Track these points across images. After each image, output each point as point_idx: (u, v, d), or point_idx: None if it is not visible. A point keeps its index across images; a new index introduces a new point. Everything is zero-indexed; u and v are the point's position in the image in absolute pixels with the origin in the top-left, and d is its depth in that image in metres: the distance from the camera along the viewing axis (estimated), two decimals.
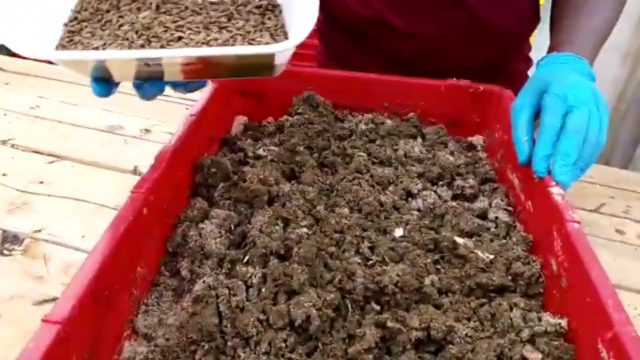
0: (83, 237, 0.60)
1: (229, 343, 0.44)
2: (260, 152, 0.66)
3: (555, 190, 0.53)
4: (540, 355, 0.42)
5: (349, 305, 0.47)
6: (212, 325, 0.44)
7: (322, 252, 0.51)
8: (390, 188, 0.63)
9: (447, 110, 0.76)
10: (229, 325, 0.44)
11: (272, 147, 0.67)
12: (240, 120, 0.75)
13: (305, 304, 0.44)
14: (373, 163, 0.67)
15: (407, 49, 0.81)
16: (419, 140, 0.73)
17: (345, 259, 0.51)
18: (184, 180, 0.58)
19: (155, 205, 0.49)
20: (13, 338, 0.48)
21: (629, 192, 0.76)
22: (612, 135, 1.34)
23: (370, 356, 0.43)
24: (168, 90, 0.93)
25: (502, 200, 0.62)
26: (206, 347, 0.43)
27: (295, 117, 0.71)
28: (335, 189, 0.62)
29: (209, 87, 0.68)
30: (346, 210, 0.58)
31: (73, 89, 0.93)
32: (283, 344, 0.43)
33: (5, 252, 0.58)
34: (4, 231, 0.60)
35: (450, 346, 0.44)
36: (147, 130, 0.81)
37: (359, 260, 0.51)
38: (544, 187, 0.54)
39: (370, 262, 0.52)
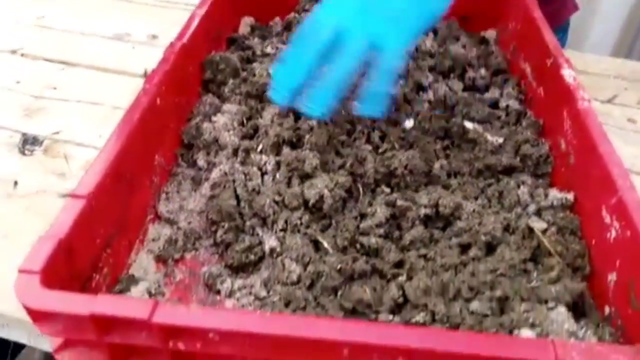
0: (100, 136, 0.61)
1: (248, 223, 0.46)
2: (268, 49, 0.66)
3: (567, 73, 0.52)
4: (545, 225, 0.43)
5: (360, 188, 0.49)
6: (230, 207, 0.46)
7: (333, 140, 0.52)
8: (401, 81, 0.63)
9: (460, 4, 0.73)
10: (246, 207, 0.46)
11: (280, 45, 0.66)
12: (246, 22, 0.74)
13: (318, 186, 0.46)
14: None
15: None
16: (431, 35, 0.72)
17: (356, 146, 0.52)
18: (193, 77, 0.58)
19: (167, 96, 0.50)
20: (42, 228, 0.50)
21: None
22: (634, 30, 1.28)
23: (381, 230, 0.45)
24: None
25: (513, 89, 0.61)
26: (226, 226, 0.45)
27: (303, 14, 0.70)
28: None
29: None
30: (356, 103, 0.58)
31: None
32: (298, 222, 0.45)
33: (27, 152, 0.60)
34: (24, 134, 0.62)
35: (458, 221, 0.46)
36: (154, 36, 0.80)
37: (370, 148, 0.52)
38: (556, 71, 0.53)
39: (381, 149, 0.53)
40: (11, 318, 0.45)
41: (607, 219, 0.40)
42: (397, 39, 0.45)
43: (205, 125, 0.53)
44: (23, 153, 0.60)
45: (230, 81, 0.59)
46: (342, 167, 0.50)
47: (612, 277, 0.39)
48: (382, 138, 0.54)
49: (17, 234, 0.50)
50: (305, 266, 0.42)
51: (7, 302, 0.43)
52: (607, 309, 0.39)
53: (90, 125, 0.63)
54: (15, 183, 0.56)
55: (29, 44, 0.78)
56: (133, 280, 0.42)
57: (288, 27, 0.70)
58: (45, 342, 0.47)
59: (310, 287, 0.40)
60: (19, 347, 0.84)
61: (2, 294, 0.42)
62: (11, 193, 0.55)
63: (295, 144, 0.52)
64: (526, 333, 0.34)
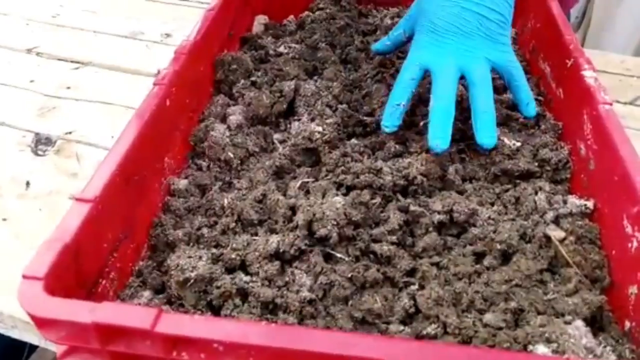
0: (112, 137, 0.61)
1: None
2: (281, 49, 0.65)
3: (588, 74, 0.50)
4: (563, 234, 0.42)
5: (379, 200, 0.46)
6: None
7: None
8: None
9: None
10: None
11: (293, 45, 0.65)
12: (260, 20, 0.73)
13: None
14: (398, 57, 0.65)
15: None
16: None
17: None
18: (205, 76, 0.58)
19: (177, 97, 0.49)
20: (54, 229, 0.50)
21: None
22: None
23: (394, 237, 0.43)
24: None
25: (532, 90, 0.59)
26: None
27: (317, 12, 0.69)
28: (358, 85, 0.61)
29: None
30: (366, 108, 0.57)
31: None
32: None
33: (40, 152, 0.60)
34: (37, 134, 0.62)
35: (473, 228, 0.44)
36: (168, 35, 0.80)
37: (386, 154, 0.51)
38: (577, 72, 0.51)
39: (396, 152, 0.51)
40: (21, 320, 0.45)
41: (629, 229, 0.39)
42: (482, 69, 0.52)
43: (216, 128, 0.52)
44: (36, 153, 0.60)
45: (242, 81, 0.58)
46: (358, 176, 0.47)
47: (632, 289, 0.37)
48: (398, 142, 0.53)
49: (29, 236, 0.50)
50: (316, 277, 0.40)
51: (17, 304, 0.43)
52: (627, 324, 0.37)
53: (103, 125, 0.63)
54: (28, 183, 0.56)
55: (43, 42, 0.78)
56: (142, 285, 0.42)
57: (302, 26, 0.69)
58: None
59: (322, 298, 0.39)
60: (35, 345, 0.84)
61: (13, 295, 0.42)
62: (23, 194, 0.55)
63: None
64: (541, 349, 0.33)
